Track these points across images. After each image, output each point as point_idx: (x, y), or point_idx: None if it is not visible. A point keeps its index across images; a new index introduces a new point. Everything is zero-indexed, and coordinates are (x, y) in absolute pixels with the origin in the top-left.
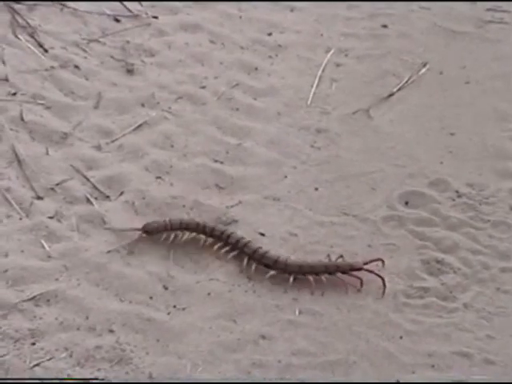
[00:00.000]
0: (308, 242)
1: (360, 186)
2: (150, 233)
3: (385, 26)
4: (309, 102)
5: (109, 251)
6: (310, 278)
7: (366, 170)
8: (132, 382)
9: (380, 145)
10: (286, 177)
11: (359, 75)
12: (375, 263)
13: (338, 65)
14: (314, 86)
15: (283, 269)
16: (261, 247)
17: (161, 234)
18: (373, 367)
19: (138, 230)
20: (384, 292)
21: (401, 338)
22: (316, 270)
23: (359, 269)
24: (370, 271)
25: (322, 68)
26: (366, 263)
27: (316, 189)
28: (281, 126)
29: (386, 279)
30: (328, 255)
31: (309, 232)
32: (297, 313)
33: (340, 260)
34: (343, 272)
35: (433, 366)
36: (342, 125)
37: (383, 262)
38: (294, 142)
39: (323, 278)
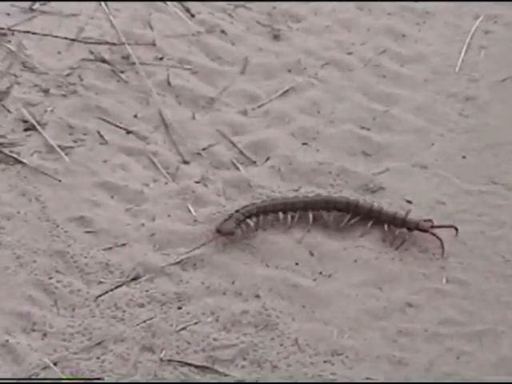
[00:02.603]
0: (455, 211)
1: (509, 155)
2: (227, 233)
3: None
4: (457, 70)
5: None
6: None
7: None
8: (133, 382)
9: None
10: (433, 144)
11: (508, 42)
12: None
13: (486, 32)
14: (463, 53)
15: (354, 210)
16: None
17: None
18: None
19: (216, 236)
20: (443, 253)
21: None
22: (383, 218)
23: (425, 230)
24: (433, 234)
25: (470, 35)
26: (433, 226)
27: (464, 157)
28: (428, 94)
29: None
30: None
31: (456, 200)
32: (444, 281)
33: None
34: (408, 228)
35: None
36: (490, 92)
37: (456, 229)
38: (442, 110)
39: (386, 227)
